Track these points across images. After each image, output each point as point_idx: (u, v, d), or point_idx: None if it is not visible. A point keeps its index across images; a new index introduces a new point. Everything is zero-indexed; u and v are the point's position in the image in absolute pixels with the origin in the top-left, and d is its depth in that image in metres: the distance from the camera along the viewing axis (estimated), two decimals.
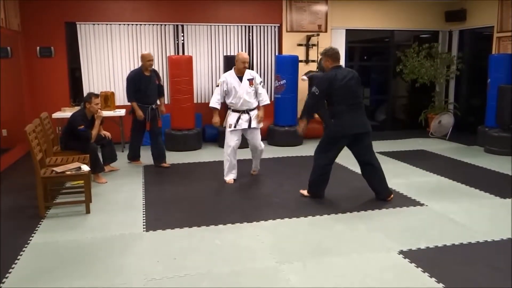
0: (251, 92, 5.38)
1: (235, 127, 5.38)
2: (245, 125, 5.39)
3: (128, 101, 6.24)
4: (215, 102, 5.38)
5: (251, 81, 5.37)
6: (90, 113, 5.51)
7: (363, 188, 5.24)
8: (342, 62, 8.65)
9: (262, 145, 5.65)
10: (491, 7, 8.22)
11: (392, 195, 4.83)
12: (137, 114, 6.11)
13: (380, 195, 4.81)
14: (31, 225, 4.11)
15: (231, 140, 5.42)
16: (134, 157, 6.56)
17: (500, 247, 3.60)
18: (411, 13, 9.07)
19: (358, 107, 4.61)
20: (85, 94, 7.56)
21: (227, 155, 5.47)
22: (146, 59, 6.07)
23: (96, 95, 5.60)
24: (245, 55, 5.38)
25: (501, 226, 4.04)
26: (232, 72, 5.42)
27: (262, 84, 5.50)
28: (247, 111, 5.40)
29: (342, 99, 4.53)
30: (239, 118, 5.38)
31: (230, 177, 5.54)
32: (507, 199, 4.80)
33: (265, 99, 5.49)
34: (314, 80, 7.92)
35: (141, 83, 6.10)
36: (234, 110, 5.42)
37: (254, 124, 5.42)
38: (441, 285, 2.97)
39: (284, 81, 7.82)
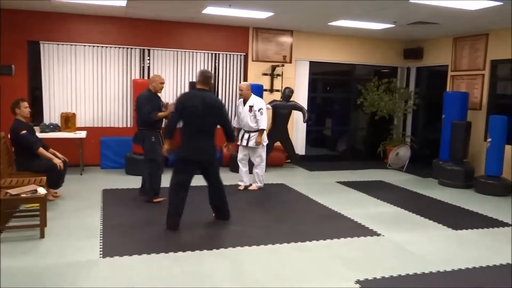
0: (250, 116, 6.32)
1: (239, 143, 6.50)
2: (244, 143, 6.44)
3: (147, 120, 5.51)
4: (235, 122, 6.66)
5: (251, 107, 6.32)
6: (23, 117, 5.50)
7: (322, 217, 5.34)
8: (304, 92, 9.04)
9: (259, 161, 6.50)
10: (446, 47, 8.70)
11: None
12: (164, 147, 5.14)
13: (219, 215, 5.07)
14: None
15: (239, 153, 6.64)
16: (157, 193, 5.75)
17: (454, 277, 3.73)
18: (372, 49, 9.45)
19: (204, 134, 4.65)
20: (45, 114, 7.44)
21: (239, 165, 6.64)
22: (159, 81, 5.67)
23: (23, 99, 5.63)
24: (242, 85, 6.48)
25: (454, 256, 4.19)
26: (241, 99, 6.52)
27: (261, 111, 6.30)
28: (248, 132, 6.39)
29: (189, 123, 4.64)
30: (242, 136, 6.47)
31: (240, 184, 6.67)
32: (459, 231, 4.99)
33: (260, 125, 6.31)
34: (274, 109, 8.10)
35: (155, 105, 5.59)
36: (242, 129, 6.51)
37: (250, 143, 6.39)
38: None
39: None
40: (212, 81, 4.87)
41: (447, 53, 8.70)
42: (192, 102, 4.59)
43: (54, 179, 5.47)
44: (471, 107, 7.99)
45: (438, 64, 9.02)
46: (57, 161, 5.41)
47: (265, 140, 6.48)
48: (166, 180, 5.11)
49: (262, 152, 6.50)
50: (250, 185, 6.65)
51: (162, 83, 5.74)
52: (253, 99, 6.39)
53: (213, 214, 5.09)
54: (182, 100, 4.71)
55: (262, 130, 6.34)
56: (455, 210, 5.96)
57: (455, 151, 7.51)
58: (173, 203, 4.67)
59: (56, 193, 5.76)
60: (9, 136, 5.50)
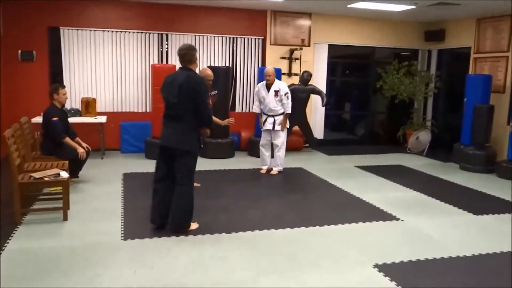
0: (276, 101, 6.38)
1: (262, 127, 6.56)
2: (270, 127, 6.47)
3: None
4: (255, 108, 6.68)
5: (276, 92, 6.38)
6: (60, 104, 5.56)
7: (340, 202, 5.34)
8: (323, 76, 8.96)
9: (280, 145, 6.51)
10: (469, 29, 8.48)
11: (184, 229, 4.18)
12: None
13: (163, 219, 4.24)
14: (6, 231, 4.05)
15: (262, 138, 6.69)
16: None
17: (473, 262, 3.70)
18: (392, 32, 9.28)
19: (176, 120, 4.00)
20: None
21: (260, 150, 6.72)
22: (208, 78, 5.30)
23: (63, 86, 5.67)
24: (269, 70, 6.45)
25: (473, 242, 4.15)
26: (263, 83, 6.52)
27: (287, 95, 6.41)
28: (272, 116, 6.40)
29: (165, 106, 4.09)
30: (265, 120, 6.48)
31: (262, 168, 6.76)
32: (479, 216, 4.94)
33: (287, 109, 6.41)
34: (293, 93, 8.05)
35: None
36: (264, 114, 6.52)
37: (276, 127, 6.45)
38: None
39: None
40: (195, 57, 4.10)
41: (469, 35, 8.48)
42: (167, 85, 4.06)
43: (74, 168, 5.56)
44: (494, 90, 7.81)
45: (460, 46, 8.81)
46: (81, 151, 5.49)
47: (287, 125, 6.59)
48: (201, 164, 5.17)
49: (284, 135, 6.57)
50: (271, 169, 6.69)
51: (210, 79, 5.38)
52: (278, 84, 6.45)
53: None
54: (164, 82, 4.14)
55: (288, 114, 6.45)
56: (476, 195, 5.89)
57: (477, 135, 7.39)
58: (154, 196, 4.20)
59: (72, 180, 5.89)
60: (42, 118, 5.60)
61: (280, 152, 6.61)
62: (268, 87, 6.45)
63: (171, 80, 4.03)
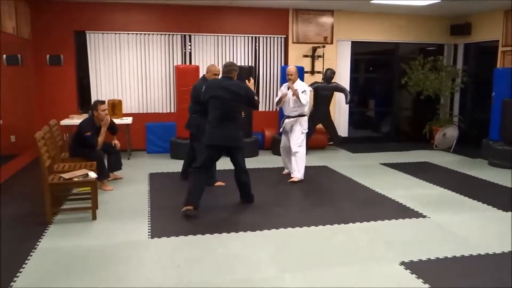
0: (294, 101, 5.98)
1: (281, 129, 6.33)
2: (287, 128, 6.13)
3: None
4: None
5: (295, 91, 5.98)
6: (99, 120, 5.59)
7: (365, 199, 5.30)
8: (346, 73, 8.90)
9: (297, 148, 6.03)
10: (496, 21, 8.28)
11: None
12: None
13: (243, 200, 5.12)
14: (38, 230, 4.18)
15: (281, 141, 6.39)
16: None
17: (501, 260, 3.63)
18: (416, 27, 9.15)
19: (227, 121, 4.73)
20: (92, 101, 7.71)
21: (281, 152, 6.47)
22: (213, 72, 5.64)
23: (102, 102, 5.69)
24: (291, 69, 6.08)
25: (503, 239, 4.06)
26: (287, 84, 6.15)
27: (304, 92, 5.95)
28: (289, 117, 6.11)
29: (211, 110, 4.80)
30: (283, 121, 6.22)
31: (285, 170, 6.51)
32: (508, 212, 4.82)
33: (302, 99, 5.92)
34: (316, 90, 8.03)
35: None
36: (285, 116, 6.24)
37: (288, 127, 6.12)
38: None
39: None
40: (236, 72, 4.93)
41: (497, 28, 8.28)
42: (210, 91, 4.83)
43: (114, 161, 5.96)
44: None
45: (488, 40, 8.61)
46: (116, 142, 5.89)
47: (304, 127, 6.08)
48: (224, 164, 5.40)
49: (300, 139, 6.05)
50: (292, 174, 6.18)
51: (216, 74, 5.61)
52: (298, 83, 6.08)
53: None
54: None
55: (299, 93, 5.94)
56: (505, 191, 5.75)
57: (506, 130, 7.21)
58: (196, 188, 4.74)
59: (117, 176, 6.17)
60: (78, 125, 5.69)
61: (298, 157, 6.04)
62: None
63: (218, 87, 4.81)
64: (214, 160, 5.01)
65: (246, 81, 5.16)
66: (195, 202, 4.62)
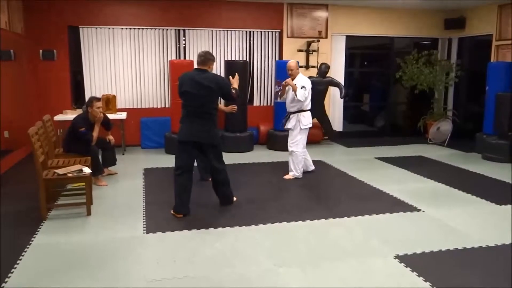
0: (292, 96, 5.80)
1: (283, 126, 6.13)
2: (288, 125, 5.97)
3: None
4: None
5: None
6: (93, 117, 5.55)
7: (360, 193, 5.32)
8: (341, 68, 8.90)
9: (292, 147, 5.92)
10: (490, 16, 8.31)
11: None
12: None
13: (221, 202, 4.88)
14: (33, 226, 4.16)
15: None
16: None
17: (496, 253, 3.65)
18: (411, 21, 9.15)
19: (201, 117, 4.46)
20: (86, 97, 7.66)
21: None
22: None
23: (98, 99, 5.66)
24: (291, 63, 5.85)
25: (497, 232, 4.09)
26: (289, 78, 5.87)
27: (303, 88, 5.73)
28: (291, 113, 5.94)
29: (183, 105, 4.55)
30: (285, 119, 6.02)
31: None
32: (503, 206, 4.86)
33: (298, 94, 5.71)
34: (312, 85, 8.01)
35: None
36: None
37: (289, 125, 5.95)
38: None
39: None
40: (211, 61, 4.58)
41: (491, 22, 8.30)
42: (186, 85, 4.48)
43: (108, 156, 5.96)
44: None
45: (482, 34, 8.64)
46: (111, 137, 5.85)
47: (303, 124, 5.87)
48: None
49: (298, 137, 5.92)
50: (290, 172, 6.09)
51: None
52: (299, 78, 5.85)
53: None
54: (180, 81, 4.60)
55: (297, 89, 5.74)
56: (499, 185, 5.79)
57: (500, 124, 7.25)
58: (180, 191, 4.55)
59: (111, 171, 6.15)
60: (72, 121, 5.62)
61: (293, 156, 5.94)
62: None
63: (193, 81, 4.44)
64: (192, 158, 4.63)
65: (230, 77, 4.97)
66: (185, 209, 4.50)
